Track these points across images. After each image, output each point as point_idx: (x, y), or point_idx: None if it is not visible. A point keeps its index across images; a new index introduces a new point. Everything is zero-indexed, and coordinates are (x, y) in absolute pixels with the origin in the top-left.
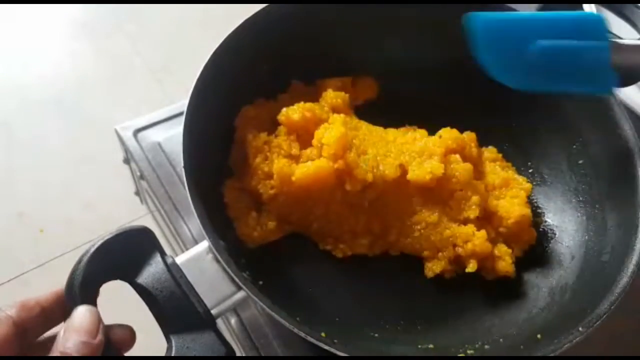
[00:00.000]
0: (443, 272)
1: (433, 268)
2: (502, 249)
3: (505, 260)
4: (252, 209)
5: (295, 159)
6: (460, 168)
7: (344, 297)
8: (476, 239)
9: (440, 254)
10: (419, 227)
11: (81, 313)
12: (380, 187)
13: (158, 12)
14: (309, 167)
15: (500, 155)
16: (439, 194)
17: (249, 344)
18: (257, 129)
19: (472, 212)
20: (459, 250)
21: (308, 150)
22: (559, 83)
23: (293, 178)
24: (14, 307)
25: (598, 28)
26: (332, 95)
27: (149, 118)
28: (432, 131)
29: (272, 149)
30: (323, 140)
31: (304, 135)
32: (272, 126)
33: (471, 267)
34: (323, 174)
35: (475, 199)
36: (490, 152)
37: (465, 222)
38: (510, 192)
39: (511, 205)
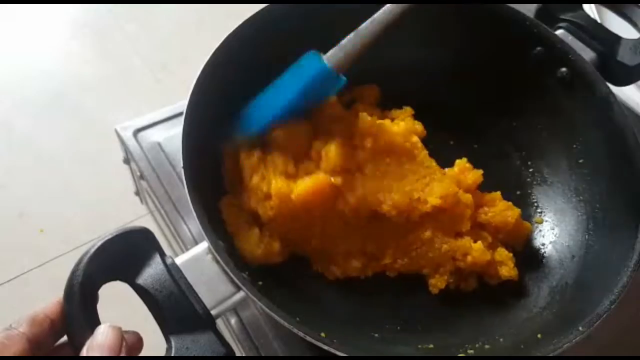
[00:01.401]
0: (447, 286)
1: (437, 285)
2: (502, 254)
3: (507, 265)
4: (253, 225)
5: (293, 176)
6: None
7: (344, 298)
8: (474, 251)
9: (441, 269)
10: (414, 245)
11: (104, 331)
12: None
13: (158, 12)
14: (307, 183)
15: None
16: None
17: (249, 344)
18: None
19: (464, 226)
20: (459, 263)
21: (305, 164)
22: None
23: (292, 196)
24: (25, 322)
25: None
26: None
27: (149, 118)
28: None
29: (268, 167)
30: (323, 153)
31: (297, 149)
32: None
33: (470, 284)
34: (321, 189)
35: (467, 212)
36: None
37: (459, 235)
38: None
39: (501, 211)
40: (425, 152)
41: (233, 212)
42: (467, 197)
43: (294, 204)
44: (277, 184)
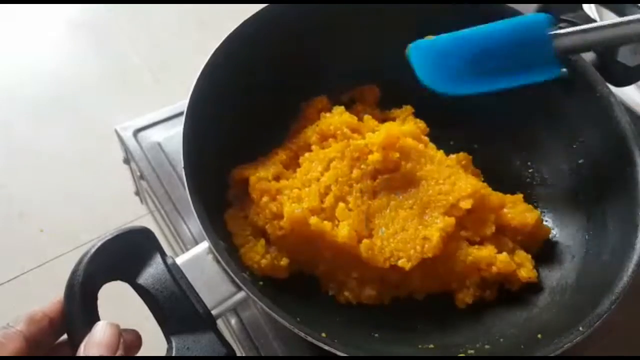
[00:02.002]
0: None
1: (465, 299)
2: (521, 255)
3: (526, 267)
4: (259, 237)
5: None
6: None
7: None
8: (499, 261)
9: (467, 282)
10: (440, 262)
11: (102, 328)
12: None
13: (158, 12)
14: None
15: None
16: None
17: (249, 344)
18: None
19: (489, 229)
20: (484, 274)
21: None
22: (502, 81)
23: (310, 222)
24: (23, 321)
25: (540, 28)
26: None
27: (149, 118)
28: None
29: (281, 190)
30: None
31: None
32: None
33: (492, 293)
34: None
35: (491, 216)
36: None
37: (482, 240)
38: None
39: (521, 212)
40: (441, 151)
41: (239, 224)
42: (494, 196)
43: (307, 229)
44: (290, 208)
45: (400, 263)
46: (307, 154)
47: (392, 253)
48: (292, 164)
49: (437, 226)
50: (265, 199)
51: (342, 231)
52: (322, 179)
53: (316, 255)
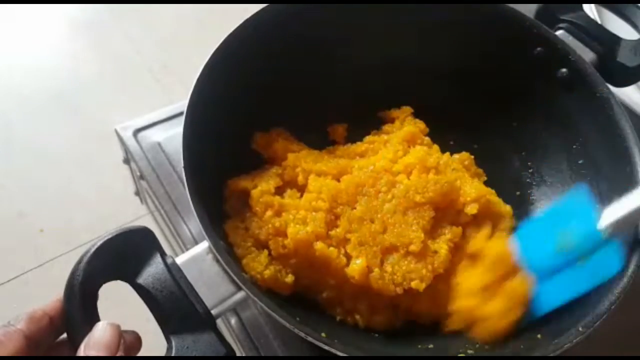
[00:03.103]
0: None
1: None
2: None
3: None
4: (262, 249)
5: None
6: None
7: None
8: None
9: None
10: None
11: (102, 328)
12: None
13: (158, 12)
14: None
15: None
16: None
17: (249, 344)
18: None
19: (471, 210)
20: None
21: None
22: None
23: (316, 248)
24: (23, 320)
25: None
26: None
27: (149, 118)
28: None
29: (286, 208)
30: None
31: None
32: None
33: None
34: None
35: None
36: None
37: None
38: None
39: (471, 189)
40: (447, 154)
41: (240, 235)
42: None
43: (312, 253)
44: (294, 229)
45: (413, 285)
46: (311, 178)
47: (404, 277)
48: (291, 181)
49: (444, 237)
50: (269, 213)
51: (355, 268)
52: (331, 209)
53: (320, 282)
